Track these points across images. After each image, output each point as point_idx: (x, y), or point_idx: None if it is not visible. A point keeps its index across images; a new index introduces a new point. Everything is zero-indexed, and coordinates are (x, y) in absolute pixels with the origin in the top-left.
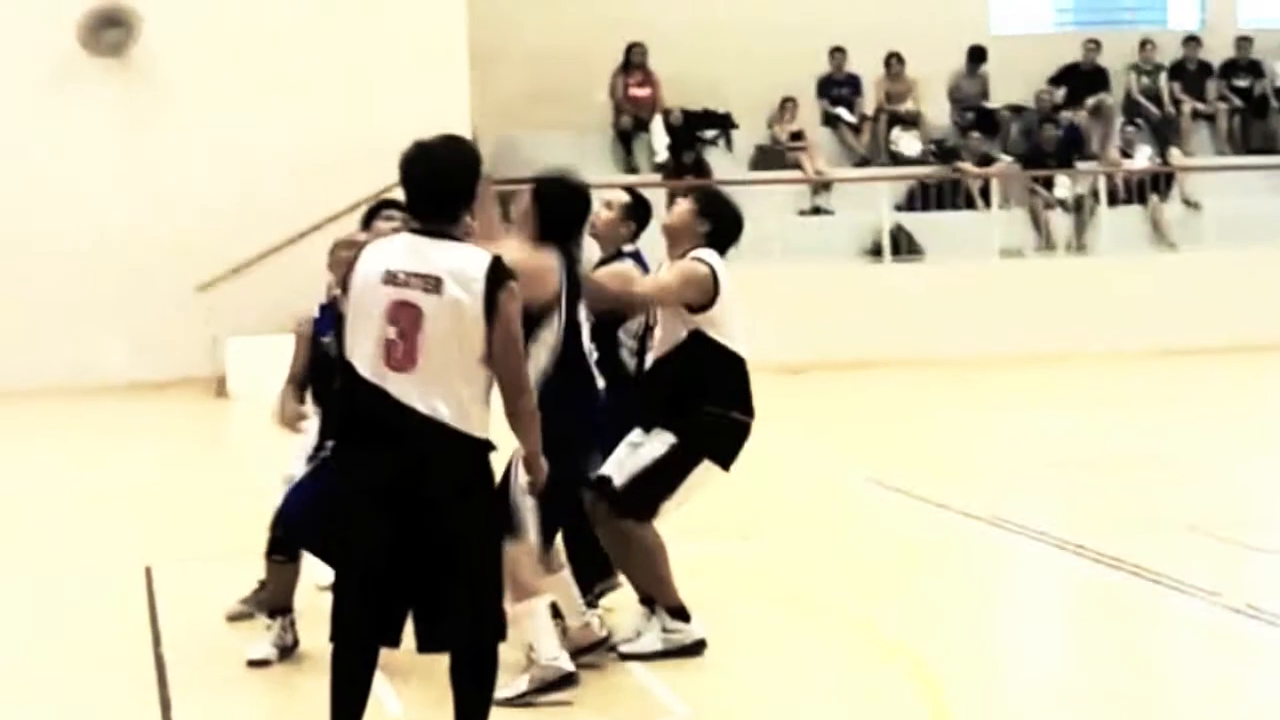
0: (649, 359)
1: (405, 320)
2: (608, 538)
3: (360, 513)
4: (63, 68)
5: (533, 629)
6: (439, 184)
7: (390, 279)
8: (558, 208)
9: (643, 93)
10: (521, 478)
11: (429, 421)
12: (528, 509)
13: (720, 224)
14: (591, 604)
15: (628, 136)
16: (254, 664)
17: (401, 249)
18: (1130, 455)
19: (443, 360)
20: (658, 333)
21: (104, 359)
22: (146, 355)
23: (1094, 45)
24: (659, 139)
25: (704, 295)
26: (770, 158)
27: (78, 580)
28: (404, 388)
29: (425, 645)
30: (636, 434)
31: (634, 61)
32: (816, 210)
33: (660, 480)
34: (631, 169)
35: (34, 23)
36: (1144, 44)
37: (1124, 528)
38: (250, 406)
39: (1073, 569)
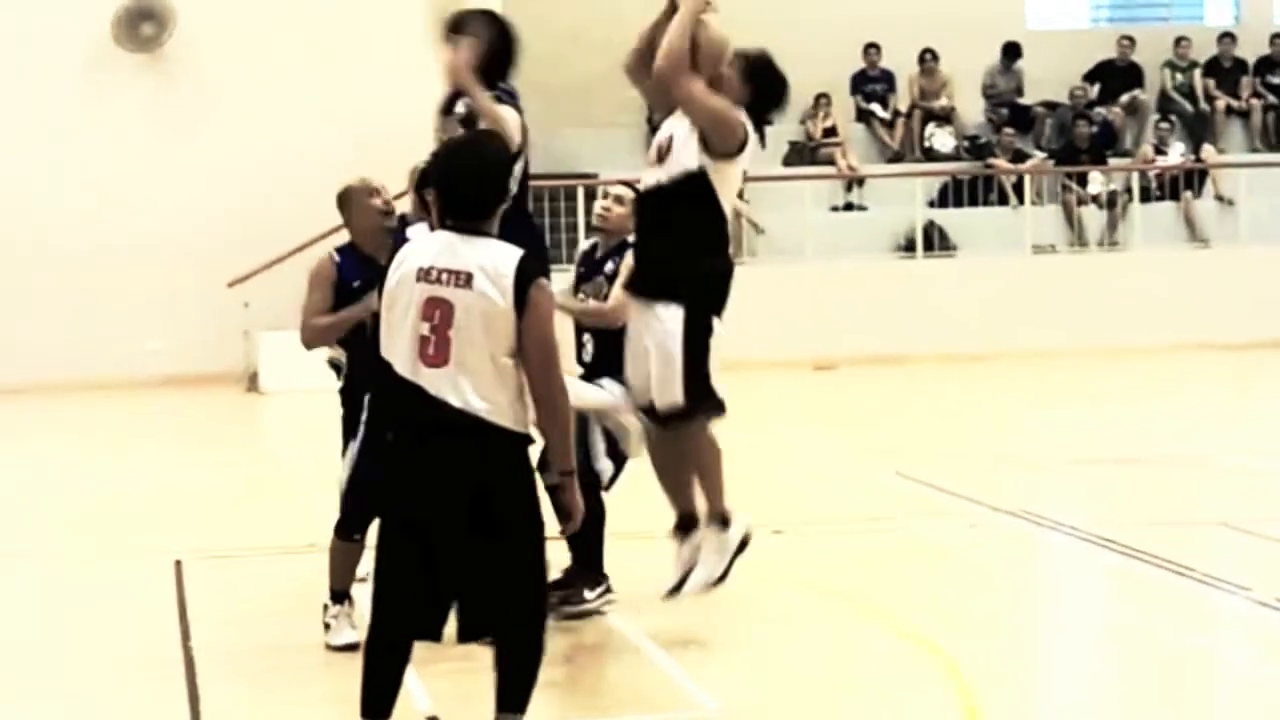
0: (645, 180)
1: (438, 316)
2: (673, 457)
3: (401, 506)
4: (96, 62)
5: None
6: (471, 182)
7: (424, 275)
8: (767, 86)
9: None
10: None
11: (463, 415)
12: None
13: (761, 91)
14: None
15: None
16: (340, 649)
17: (437, 246)
18: (1162, 450)
19: (474, 355)
20: (667, 158)
21: (136, 354)
22: (178, 350)
23: (1129, 42)
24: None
25: (730, 140)
26: (803, 154)
27: (107, 574)
28: (437, 383)
29: (466, 634)
30: (640, 326)
31: None
32: (849, 206)
33: (700, 358)
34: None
35: (68, 17)
36: (1179, 41)
37: (1155, 522)
38: (282, 401)
39: (1103, 563)
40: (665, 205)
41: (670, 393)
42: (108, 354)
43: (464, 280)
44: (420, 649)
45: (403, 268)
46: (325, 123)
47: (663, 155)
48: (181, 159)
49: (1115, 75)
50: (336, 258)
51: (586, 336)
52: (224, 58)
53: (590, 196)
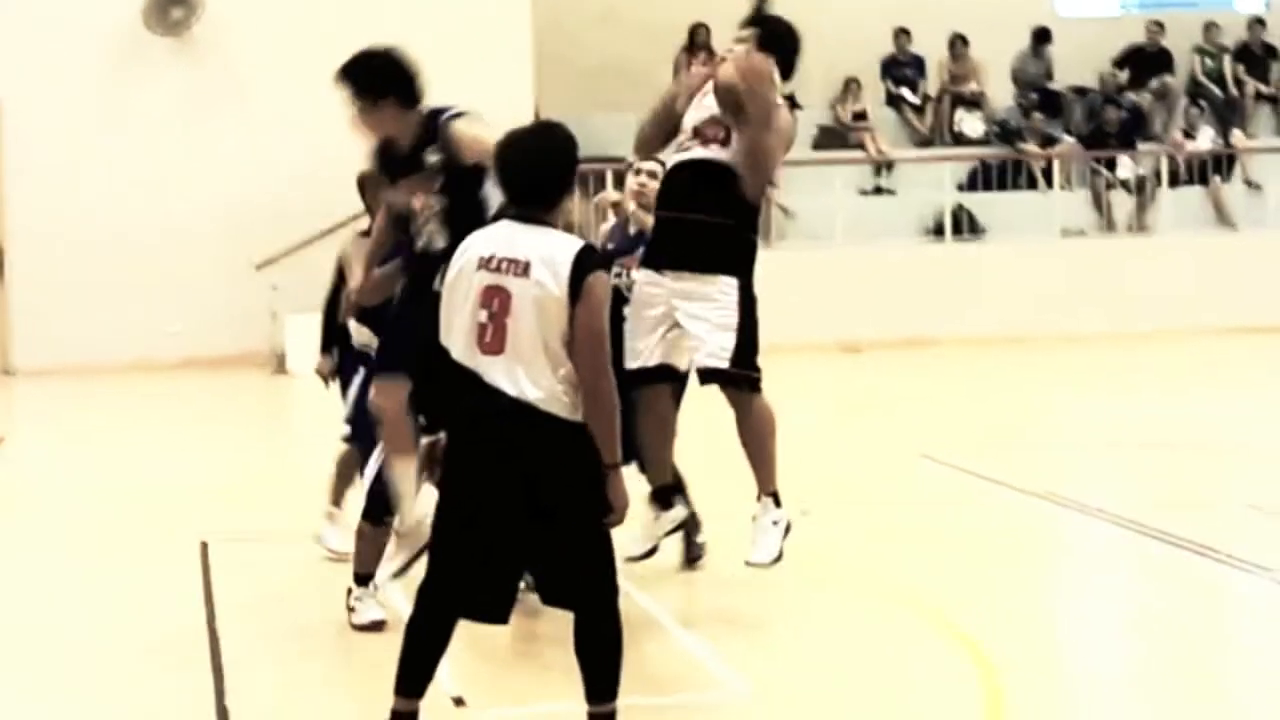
0: (689, 153)
1: (496, 304)
2: (752, 433)
3: (456, 493)
4: (126, 46)
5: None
6: (534, 172)
7: (485, 264)
8: (789, 46)
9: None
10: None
11: (518, 404)
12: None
13: (782, 55)
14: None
15: None
16: (364, 628)
17: (498, 236)
18: (1190, 434)
19: (530, 344)
20: (696, 133)
21: (164, 336)
22: (206, 332)
23: (1158, 27)
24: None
25: (787, 145)
26: (833, 138)
27: (133, 555)
28: (493, 371)
29: (547, 599)
30: (653, 283)
31: (698, 42)
32: (879, 190)
33: (753, 326)
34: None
35: (98, 2)
36: (1208, 26)
37: (1183, 506)
38: (310, 384)
39: (1131, 547)
40: (717, 180)
41: (720, 358)
42: (136, 336)
43: (522, 269)
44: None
45: (466, 255)
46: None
47: (714, 138)
48: (211, 142)
49: (1145, 60)
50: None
51: (626, 309)
52: (253, 41)
53: (620, 181)
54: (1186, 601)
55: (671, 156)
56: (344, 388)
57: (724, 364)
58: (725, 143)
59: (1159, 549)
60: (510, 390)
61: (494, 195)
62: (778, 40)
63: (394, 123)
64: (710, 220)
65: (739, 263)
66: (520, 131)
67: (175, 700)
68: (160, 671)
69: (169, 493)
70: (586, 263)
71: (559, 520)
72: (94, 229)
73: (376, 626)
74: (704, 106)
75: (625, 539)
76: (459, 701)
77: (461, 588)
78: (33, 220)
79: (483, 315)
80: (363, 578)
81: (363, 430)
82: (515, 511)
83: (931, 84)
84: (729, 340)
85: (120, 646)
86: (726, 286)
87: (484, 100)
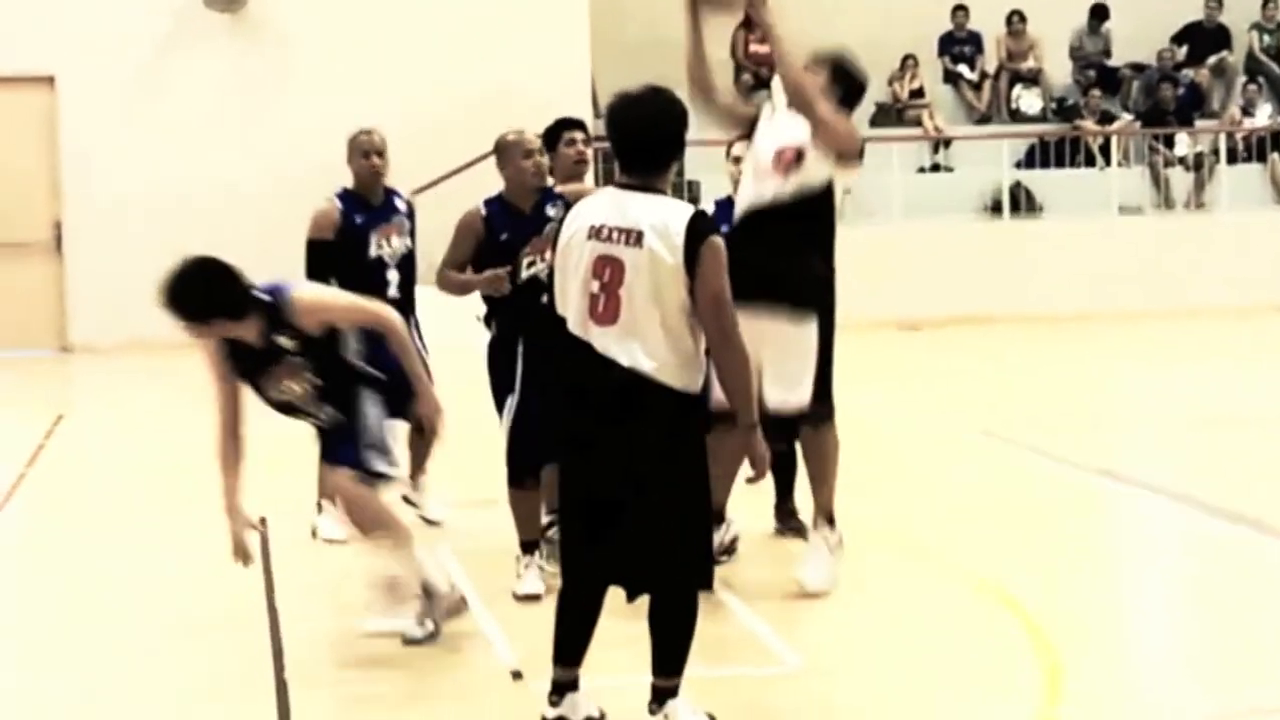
0: (760, 191)
1: (608, 274)
2: (820, 454)
3: (573, 465)
4: (180, 22)
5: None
6: (647, 136)
7: (595, 234)
8: (854, 83)
9: (763, 49)
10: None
11: (631, 374)
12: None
13: (849, 90)
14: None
15: (748, 93)
16: (524, 599)
17: (606, 204)
18: (1247, 410)
19: (645, 314)
20: (769, 179)
21: None
22: None
23: (1216, 4)
24: (779, 96)
25: (857, 153)
26: (890, 115)
27: (191, 530)
28: (606, 341)
29: (632, 592)
30: (761, 333)
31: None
32: (936, 168)
33: (828, 362)
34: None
35: None
36: (1266, 2)
37: (1241, 482)
38: None
39: (1189, 523)
40: (795, 217)
41: (799, 395)
42: None
43: (634, 239)
44: (505, 605)
45: (575, 224)
46: (410, 79)
47: (786, 167)
48: (267, 117)
49: (1203, 37)
50: (484, 210)
51: None
52: (307, 15)
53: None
54: (1245, 579)
55: (752, 190)
56: (498, 396)
57: (806, 405)
58: (798, 164)
59: (1218, 526)
60: (624, 360)
61: (352, 342)
62: (846, 79)
63: (232, 330)
64: (784, 259)
65: (814, 298)
66: (629, 96)
67: (235, 670)
68: (217, 648)
69: None
70: (700, 228)
71: (663, 493)
72: (151, 205)
73: (532, 599)
74: (773, 133)
75: None
76: (517, 675)
77: (582, 559)
78: (90, 196)
79: (594, 286)
80: (527, 545)
81: (524, 461)
82: (625, 482)
83: (989, 61)
84: (806, 382)
85: (177, 622)
86: (804, 326)
87: (539, 75)
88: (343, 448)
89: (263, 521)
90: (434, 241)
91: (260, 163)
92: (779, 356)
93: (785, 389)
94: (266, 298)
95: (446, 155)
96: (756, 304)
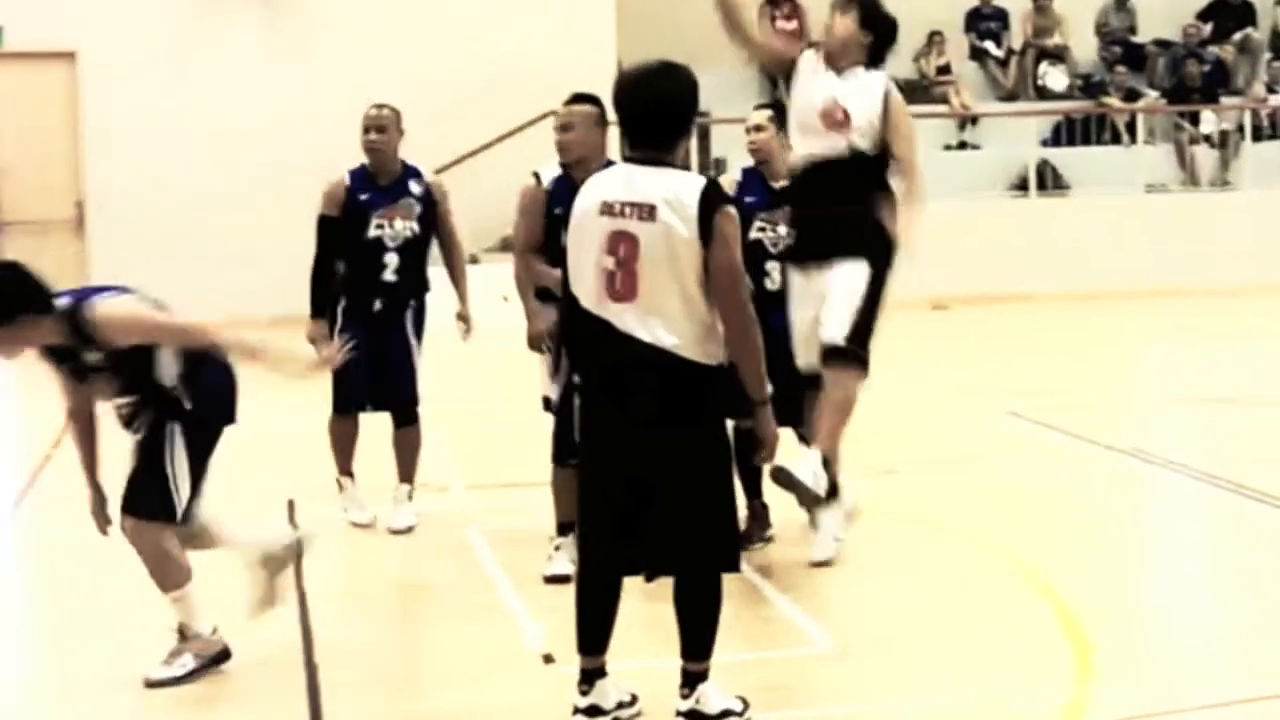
0: (825, 144)
1: (623, 250)
2: (837, 393)
3: (594, 444)
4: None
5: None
6: (656, 112)
7: (607, 210)
8: (886, 27)
9: (789, 26)
10: (176, 451)
11: (652, 350)
12: (184, 487)
13: (881, 34)
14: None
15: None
16: (553, 580)
17: (617, 179)
18: (1275, 389)
19: (662, 288)
20: (819, 137)
21: (255, 291)
22: (289, 287)
23: None
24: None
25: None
26: (917, 92)
27: (221, 511)
28: (625, 318)
29: (653, 572)
30: (806, 282)
31: None
32: (963, 145)
33: (873, 310)
34: (776, 102)
35: None
36: None
37: (1269, 461)
38: None
39: (1216, 501)
40: (854, 171)
41: (835, 330)
42: (226, 291)
43: (648, 213)
44: (533, 589)
45: (585, 201)
46: (437, 55)
47: (837, 125)
48: (296, 94)
49: (1228, 13)
50: (545, 184)
51: (771, 264)
52: None
53: (704, 135)
54: (1272, 558)
55: (801, 146)
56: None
57: (840, 341)
58: (846, 125)
59: (1247, 504)
60: (644, 337)
61: (167, 362)
62: (877, 23)
63: (35, 333)
64: (844, 210)
65: (870, 247)
66: (639, 71)
67: (263, 652)
68: (249, 630)
69: (257, 449)
70: (713, 200)
71: (689, 469)
72: (174, 182)
73: (562, 580)
74: (817, 88)
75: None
76: (548, 659)
77: (604, 543)
78: (112, 174)
79: (609, 262)
80: (564, 526)
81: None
82: (648, 459)
83: (1015, 37)
84: (848, 317)
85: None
86: (856, 267)
87: (566, 55)
88: (139, 496)
89: (291, 505)
90: (464, 212)
91: (284, 139)
92: (835, 290)
93: (825, 323)
94: (67, 307)
95: (471, 131)
96: (823, 263)
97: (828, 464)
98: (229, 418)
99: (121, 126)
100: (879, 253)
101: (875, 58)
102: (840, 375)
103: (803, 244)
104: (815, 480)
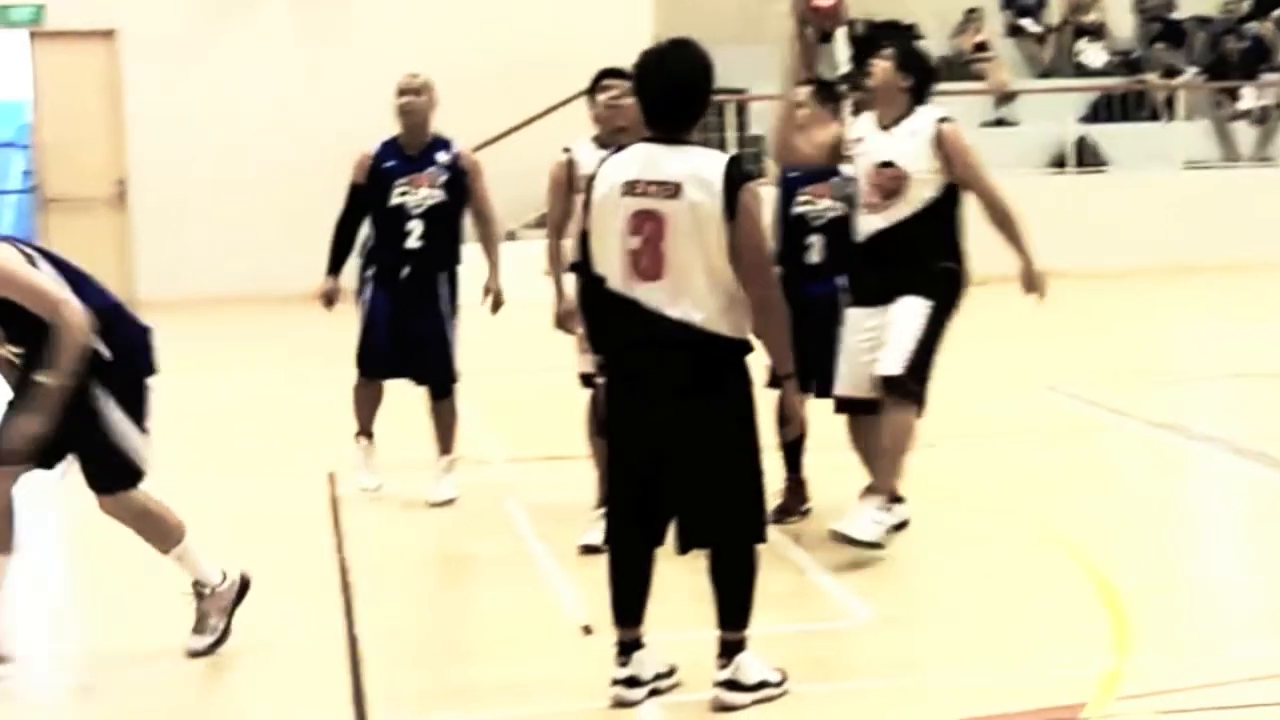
0: (875, 221)
1: (648, 229)
2: (894, 431)
3: (623, 419)
4: None
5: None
6: (675, 91)
7: (630, 189)
8: (923, 69)
9: (826, 3)
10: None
11: (682, 326)
12: (135, 441)
13: (919, 75)
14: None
15: (814, 48)
16: (588, 550)
17: (639, 159)
18: None
19: (689, 265)
20: (876, 212)
21: (283, 270)
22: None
23: None
24: (842, 51)
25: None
26: (954, 69)
27: (262, 484)
28: (653, 296)
29: (685, 545)
30: (865, 314)
31: None
32: (1000, 122)
33: (931, 346)
34: (817, 78)
35: None
36: None
37: None
38: None
39: (1256, 477)
40: (916, 230)
41: (893, 362)
42: (255, 270)
43: (672, 191)
44: (576, 561)
45: (607, 181)
46: (470, 37)
47: (886, 194)
48: (326, 75)
49: None
50: (570, 156)
51: (813, 237)
52: None
53: (740, 112)
54: None
55: (862, 223)
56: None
57: (897, 370)
58: (901, 186)
59: None
60: (673, 314)
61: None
62: (913, 62)
63: None
64: (911, 265)
65: (934, 285)
66: (656, 50)
67: (304, 625)
68: (289, 601)
69: (293, 422)
70: (737, 175)
71: (720, 442)
72: (215, 158)
73: (592, 550)
74: (867, 154)
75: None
76: (587, 630)
77: (634, 516)
78: (154, 151)
79: (634, 242)
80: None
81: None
82: (679, 434)
83: (1053, 14)
84: (907, 350)
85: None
86: (919, 303)
87: (603, 29)
88: (102, 476)
89: (331, 479)
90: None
91: (323, 114)
92: (893, 324)
93: (884, 356)
94: None
95: (504, 112)
96: (885, 303)
97: (895, 496)
98: (149, 368)
99: (161, 104)
100: (943, 292)
101: (919, 99)
102: (895, 410)
103: (863, 290)
104: (875, 533)
